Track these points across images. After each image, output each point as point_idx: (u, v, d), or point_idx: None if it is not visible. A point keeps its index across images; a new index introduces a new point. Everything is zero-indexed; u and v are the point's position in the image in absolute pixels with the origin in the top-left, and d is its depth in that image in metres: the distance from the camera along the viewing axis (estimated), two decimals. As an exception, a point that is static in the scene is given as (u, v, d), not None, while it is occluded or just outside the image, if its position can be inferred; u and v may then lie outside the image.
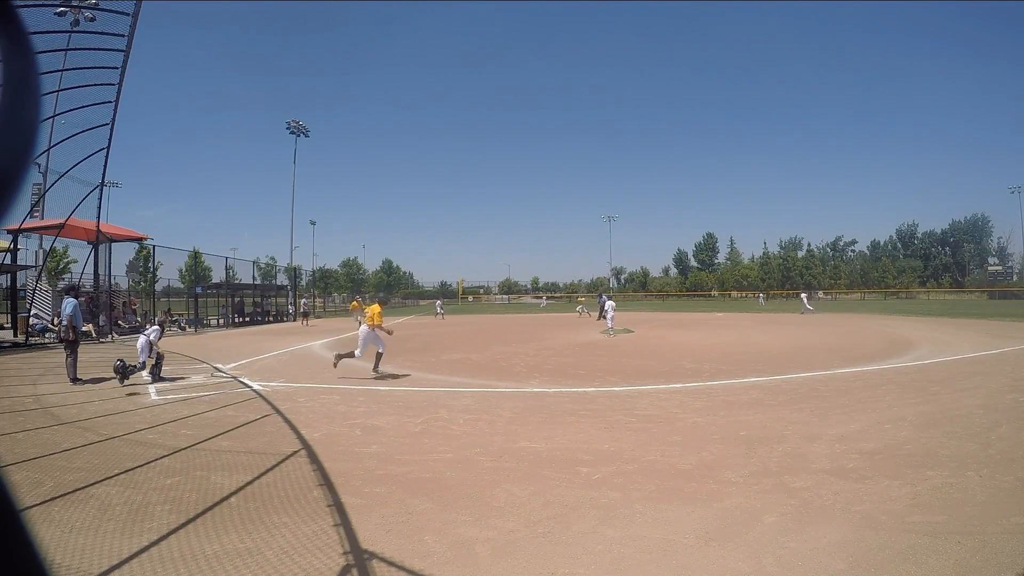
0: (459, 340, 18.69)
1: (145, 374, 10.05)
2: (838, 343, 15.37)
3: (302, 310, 32.55)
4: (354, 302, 27.69)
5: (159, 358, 10.24)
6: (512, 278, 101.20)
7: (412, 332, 22.97)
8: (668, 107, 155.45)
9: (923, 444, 5.16)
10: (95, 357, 13.81)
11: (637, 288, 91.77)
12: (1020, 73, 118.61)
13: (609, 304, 21.51)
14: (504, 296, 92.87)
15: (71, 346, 9.87)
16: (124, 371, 7.77)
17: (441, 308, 38.28)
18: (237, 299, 30.82)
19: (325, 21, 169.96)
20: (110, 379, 10.12)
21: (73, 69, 14.11)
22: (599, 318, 27.14)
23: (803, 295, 38.36)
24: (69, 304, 10.22)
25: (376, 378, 9.71)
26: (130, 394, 8.44)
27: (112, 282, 23.87)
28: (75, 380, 9.54)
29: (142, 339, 10.22)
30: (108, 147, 17.26)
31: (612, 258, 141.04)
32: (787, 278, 79.13)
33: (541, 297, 37.52)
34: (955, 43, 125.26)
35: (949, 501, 3.77)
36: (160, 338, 10.42)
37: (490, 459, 5.02)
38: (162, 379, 10.03)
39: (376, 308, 9.67)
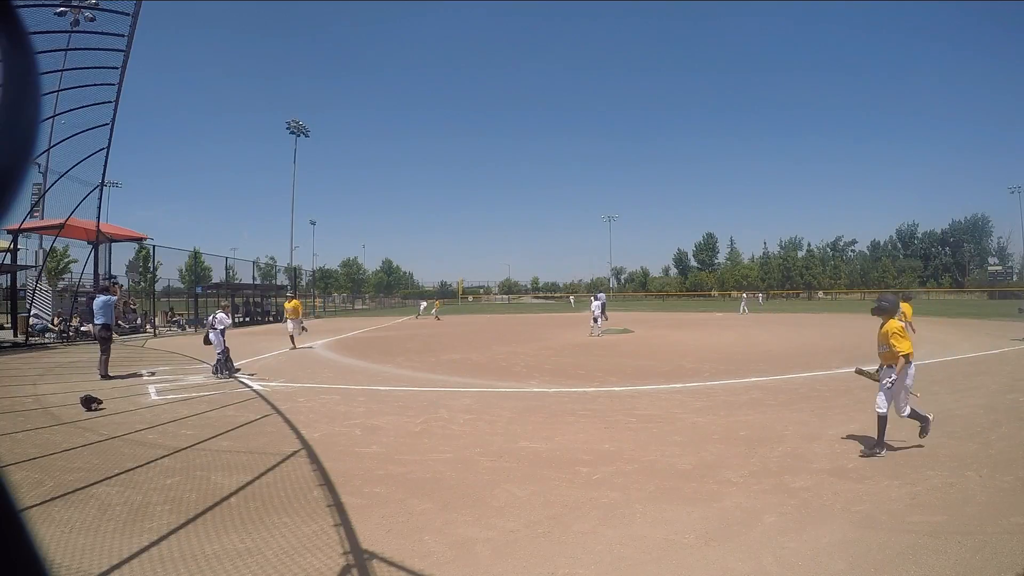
0: (459, 340, 18.70)
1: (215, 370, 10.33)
2: (838, 343, 15.37)
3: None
4: (291, 301, 16.51)
5: (226, 351, 10.42)
6: (512, 278, 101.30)
7: (412, 332, 22.97)
8: (668, 107, 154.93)
9: (923, 444, 5.16)
10: (95, 356, 13.81)
11: (637, 288, 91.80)
12: (1020, 73, 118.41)
13: (595, 304, 20.51)
14: (504, 296, 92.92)
15: (105, 343, 10.29)
16: (89, 404, 7.31)
17: (423, 309, 38.69)
18: (240, 299, 30.77)
19: (325, 21, 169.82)
20: (137, 375, 10.39)
21: (73, 69, 14.12)
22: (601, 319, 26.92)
23: (744, 295, 41.88)
24: (106, 302, 10.71)
25: None
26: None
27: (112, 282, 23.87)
28: (106, 376, 10.04)
29: (214, 334, 10.40)
30: (108, 147, 17.28)
31: (612, 258, 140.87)
32: (787, 278, 79.13)
33: (568, 296, 38.69)
34: (955, 43, 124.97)
35: (949, 501, 3.78)
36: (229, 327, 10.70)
37: (490, 459, 5.02)
38: (230, 373, 10.21)
39: (908, 307, 9.25)
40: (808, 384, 8.62)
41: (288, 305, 16.33)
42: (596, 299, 20.99)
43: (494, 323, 30.05)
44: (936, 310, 33.78)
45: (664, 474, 4.52)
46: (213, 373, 10.28)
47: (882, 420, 4.82)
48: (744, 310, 35.43)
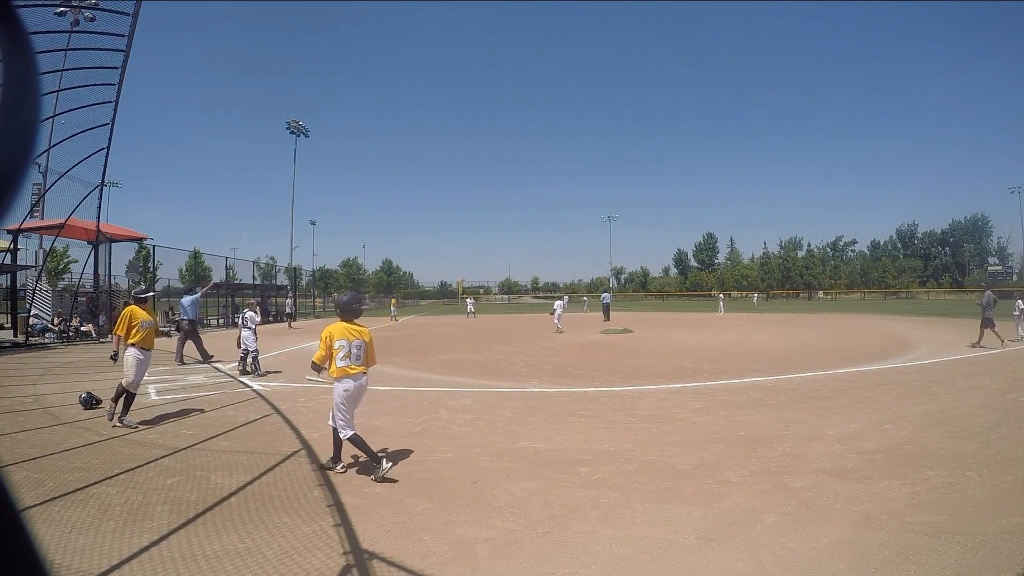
0: (459, 340, 18.69)
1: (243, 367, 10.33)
2: (838, 343, 15.37)
3: (287, 311, 30.34)
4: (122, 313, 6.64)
5: (254, 352, 10.40)
6: (512, 278, 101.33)
7: (412, 332, 22.97)
8: (668, 107, 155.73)
9: (923, 444, 5.16)
10: (96, 356, 13.81)
11: (637, 288, 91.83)
12: (1020, 73, 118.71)
13: (557, 304, 21.97)
14: (504, 296, 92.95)
15: (193, 335, 12.55)
16: (90, 403, 7.22)
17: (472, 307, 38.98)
18: (240, 299, 30.80)
19: (325, 21, 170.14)
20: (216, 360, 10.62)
21: (73, 69, 14.09)
22: (605, 319, 27.21)
23: (721, 296, 43.74)
24: (193, 300, 13.42)
25: None
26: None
27: (112, 282, 23.86)
28: (208, 358, 12.25)
29: (247, 332, 10.39)
30: (108, 147, 17.25)
31: (612, 258, 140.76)
32: (787, 278, 79.14)
33: (466, 299, 43.42)
34: (954, 43, 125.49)
35: (949, 501, 3.77)
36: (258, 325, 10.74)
37: (490, 459, 5.02)
38: (260, 373, 10.20)
39: None
40: (808, 384, 8.61)
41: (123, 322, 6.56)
42: (559, 300, 22.27)
43: (494, 323, 30.04)
44: (936, 310, 33.77)
45: (664, 474, 4.52)
46: (242, 372, 10.24)
47: (336, 434, 4.68)
48: (722, 310, 36.74)
